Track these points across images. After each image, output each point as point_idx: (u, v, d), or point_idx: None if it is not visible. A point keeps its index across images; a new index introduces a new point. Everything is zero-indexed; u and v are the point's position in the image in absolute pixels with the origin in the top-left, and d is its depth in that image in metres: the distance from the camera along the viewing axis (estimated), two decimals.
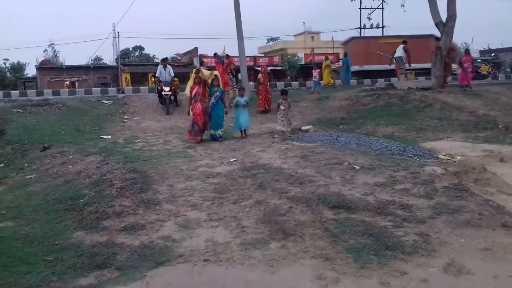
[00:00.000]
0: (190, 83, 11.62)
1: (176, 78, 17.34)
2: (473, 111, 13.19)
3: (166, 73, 16.70)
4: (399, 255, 4.52)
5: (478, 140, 10.63)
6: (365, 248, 4.69)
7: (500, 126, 11.64)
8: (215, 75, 11.43)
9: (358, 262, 4.39)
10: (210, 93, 11.30)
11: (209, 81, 11.24)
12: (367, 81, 28.87)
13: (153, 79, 40.73)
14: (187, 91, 11.70)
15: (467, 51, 19.28)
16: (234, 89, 16.97)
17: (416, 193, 6.18)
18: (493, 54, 28.50)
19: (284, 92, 11.87)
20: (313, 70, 22.22)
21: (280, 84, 27.78)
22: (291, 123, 11.61)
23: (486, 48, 38.84)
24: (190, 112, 11.29)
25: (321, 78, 22.49)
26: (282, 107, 11.12)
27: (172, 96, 16.89)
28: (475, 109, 13.44)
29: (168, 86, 16.46)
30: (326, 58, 23.67)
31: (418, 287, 3.91)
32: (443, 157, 8.64)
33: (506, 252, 4.53)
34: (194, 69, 12.53)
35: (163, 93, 16.46)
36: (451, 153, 8.98)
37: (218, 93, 11.28)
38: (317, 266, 4.38)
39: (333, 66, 46.06)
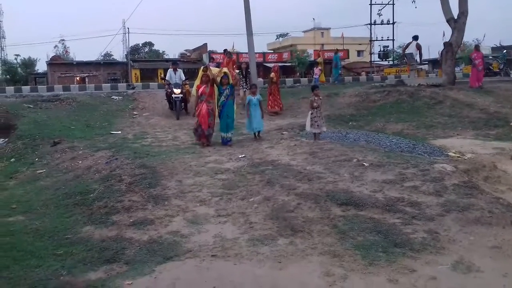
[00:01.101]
0: (197, 82, 10.79)
1: (187, 82, 16.00)
2: (484, 108, 13.09)
3: (176, 77, 15.51)
4: (408, 253, 4.50)
5: (488, 137, 10.53)
6: (373, 245, 4.68)
7: (511, 124, 11.53)
8: (225, 73, 10.43)
9: (367, 259, 4.38)
10: (219, 92, 10.26)
11: (218, 79, 10.24)
12: None
13: (162, 75, 41.00)
14: (194, 90, 10.99)
15: (477, 47, 18.56)
16: (244, 89, 16.22)
17: (426, 191, 6.14)
18: (504, 51, 28.07)
19: (316, 87, 10.70)
20: (315, 68, 21.81)
21: (289, 81, 27.68)
22: (324, 123, 10.42)
23: (498, 45, 38.36)
24: (196, 113, 10.39)
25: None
26: (315, 105, 9.99)
27: (183, 103, 15.54)
28: (486, 106, 13.32)
29: (179, 88, 15.13)
30: (318, 56, 23.28)
31: (426, 285, 3.90)
32: (453, 154, 8.58)
33: None
34: (202, 67, 11.58)
35: (173, 95, 15.14)
36: (461, 150, 8.92)
37: (227, 90, 10.21)
38: (325, 262, 4.38)
39: (343, 63, 45.97)
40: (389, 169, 7.03)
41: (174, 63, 16.63)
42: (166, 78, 15.82)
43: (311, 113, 9.98)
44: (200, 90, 10.19)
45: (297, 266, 4.35)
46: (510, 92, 15.25)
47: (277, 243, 4.86)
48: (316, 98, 10.05)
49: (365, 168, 7.20)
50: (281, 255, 4.56)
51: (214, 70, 10.75)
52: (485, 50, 40.47)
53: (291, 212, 5.65)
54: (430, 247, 4.63)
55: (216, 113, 10.29)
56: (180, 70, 16.13)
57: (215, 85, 10.27)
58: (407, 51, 19.22)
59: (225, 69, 10.82)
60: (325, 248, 4.68)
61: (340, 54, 25.62)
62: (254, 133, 10.66)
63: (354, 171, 7.07)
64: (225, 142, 10.15)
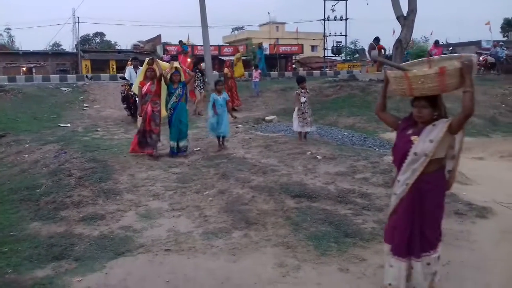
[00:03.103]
0: (140, 77, 8.76)
1: None
2: None
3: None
4: (358, 242, 4.64)
5: None
6: (325, 235, 4.79)
7: None
8: (176, 68, 8.66)
9: (319, 249, 4.47)
10: (170, 91, 8.45)
11: (168, 76, 8.45)
12: None
13: (114, 67, 39.81)
14: (136, 88, 8.85)
15: (436, 42, 18.14)
16: (201, 91, 14.38)
17: (375, 182, 6.34)
18: (450, 48, 29.30)
19: (301, 80, 9.45)
20: (254, 71, 18.32)
21: (245, 74, 27.64)
22: (311, 120, 9.23)
23: (444, 43, 40.05)
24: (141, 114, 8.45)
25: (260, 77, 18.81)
26: (302, 99, 8.98)
27: None
28: None
29: None
30: (238, 51, 22.36)
31: (376, 273, 4.02)
32: None
33: (459, 239, 4.74)
34: (147, 59, 8.90)
35: (136, 98, 11.05)
36: None
37: (179, 90, 8.43)
38: (278, 254, 4.43)
39: (297, 57, 46.39)
40: (341, 161, 7.20)
41: (135, 58, 13.37)
42: (125, 77, 12.86)
43: (298, 109, 9.01)
44: (145, 88, 8.31)
45: (251, 258, 4.38)
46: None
47: (232, 236, 4.87)
48: (303, 91, 9.11)
49: (318, 161, 7.34)
50: (236, 248, 4.58)
51: (163, 64, 8.88)
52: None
53: (245, 205, 5.67)
54: (379, 236, 4.77)
55: (163, 116, 8.58)
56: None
57: (163, 82, 8.47)
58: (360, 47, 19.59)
59: (176, 64, 9.02)
60: (279, 240, 4.73)
61: (264, 47, 24.81)
62: (218, 138, 8.85)
63: (308, 164, 7.19)
64: (176, 153, 8.41)
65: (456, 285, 3.83)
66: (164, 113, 8.59)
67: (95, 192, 6.28)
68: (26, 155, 8.57)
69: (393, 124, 3.58)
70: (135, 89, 9.20)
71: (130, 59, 14.14)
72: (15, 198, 6.25)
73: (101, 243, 4.79)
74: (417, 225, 3.30)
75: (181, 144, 8.47)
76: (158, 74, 8.32)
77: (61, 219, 5.46)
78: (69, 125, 12.15)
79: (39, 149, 8.85)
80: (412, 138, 3.25)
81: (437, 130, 3.16)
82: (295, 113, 9.12)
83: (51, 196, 6.14)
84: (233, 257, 4.41)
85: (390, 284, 3.41)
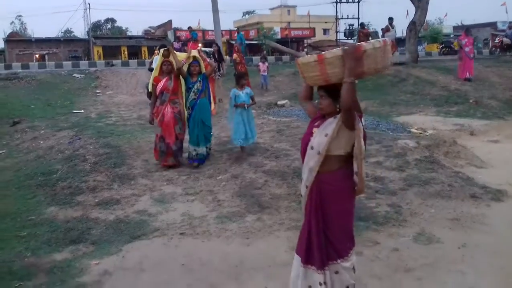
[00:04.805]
0: (155, 73, 7.12)
1: None
2: (445, 86, 13.44)
3: None
4: (372, 226, 4.63)
5: (449, 114, 10.85)
6: None
7: (470, 101, 11.91)
8: (194, 58, 7.10)
9: None
10: (187, 86, 7.01)
11: (185, 67, 7.00)
12: None
13: (125, 53, 39.86)
14: (150, 85, 7.35)
15: (468, 31, 15.61)
16: (218, 78, 12.98)
17: (389, 166, 6.31)
18: (466, 30, 28.76)
19: None
20: (260, 63, 16.14)
21: (256, 59, 27.53)
22: None
23: (460, 24, 39.40)
24: (155, 120, 6.92)
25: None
26: None
27: None
28: (447, 84, 13.68)
29: None
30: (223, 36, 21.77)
31: (389, 256, 4.03)
32: (416, 131, 8.81)
33: (474, 222, 4.70)
34: (162, 50, 7.26)
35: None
36: (423, 127, 9.16)
37: (199, 84, 6.94)
38: (292, 237, 4.44)
39: (309, 41, 45.99)
40: None
41: (163, 46, 10.14)
42: (153, 67, 10.65)
43: None
44: (160, 85, 6.84)
45: (264, 242, 4.41)
46: None
47: (245, 220, 4.90)
48: None
49: None
50: (249, 232, 4.62)
51: (181, 55, 7.27)
52: (447, 29, 41.42)
53: (258, 189, 5.70)
54: (393, 220, 4.78)
55: (185, 118, 7.08)
56: None
57: (181, 76, 7.01)
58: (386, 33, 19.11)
59: (194, 52, 7.33)
60: (292, 224, 4.75)
61: (243, 33, 24.62)
62: (242, 145, 7.14)
63: None
64: (198, 161, 6.94)
65: (471, 268, 3.81)
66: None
67: (110, 177, 6.36)
68: (41, 141, 8.69)
69: (311, 115, 3.11)
70: (149, 86, 7.60)
71: (157, 47, 12.89)
72: (32, 184, 6.37)
73: (117, 227, 4.87)
74: (322, 231, 2.92)
75: (200, 150, 6.96)
76: (175, 67, 6.89)
77: (77, 204, 5.56)
78: (82, 111, 12.24)
79: (53, 135, 8.96)
80: (314, 130, 2.91)
81: (334, 124, 2.80)
82: None
83: (67, 181, 6.24)
84: (246, 240, 4.45)
85: None
